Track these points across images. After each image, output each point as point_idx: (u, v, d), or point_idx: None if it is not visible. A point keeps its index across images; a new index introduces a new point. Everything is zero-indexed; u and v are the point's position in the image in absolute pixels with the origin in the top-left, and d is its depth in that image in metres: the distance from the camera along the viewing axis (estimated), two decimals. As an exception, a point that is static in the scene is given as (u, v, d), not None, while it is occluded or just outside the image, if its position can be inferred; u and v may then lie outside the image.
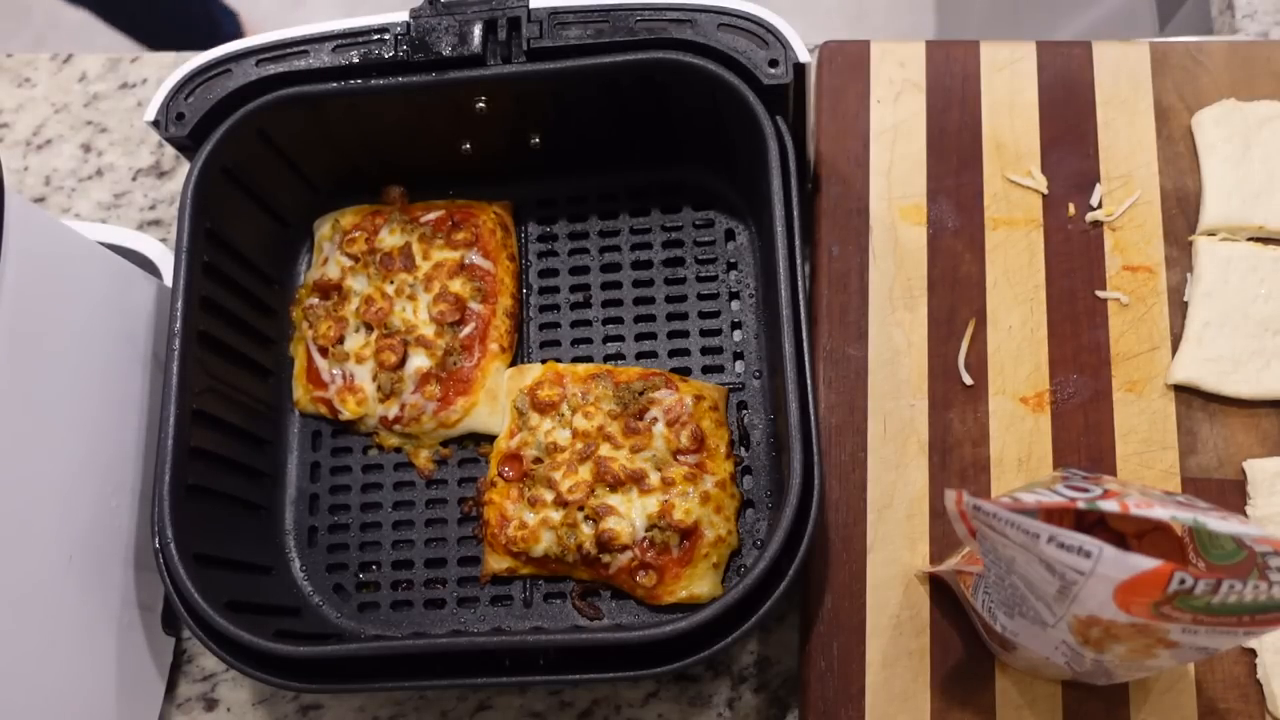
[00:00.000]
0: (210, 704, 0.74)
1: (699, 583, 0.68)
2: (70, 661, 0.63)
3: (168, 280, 0.76)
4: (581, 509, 0.69)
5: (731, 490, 0.70)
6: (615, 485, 0.69)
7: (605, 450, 0.70)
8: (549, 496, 0.70)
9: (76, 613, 0.63)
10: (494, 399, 0.74)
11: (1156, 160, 0.73)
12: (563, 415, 0.71)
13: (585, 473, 0.70)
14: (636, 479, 0.69)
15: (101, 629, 0.65)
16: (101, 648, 0.66)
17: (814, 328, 0.71)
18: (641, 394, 0.71)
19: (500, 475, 0.72)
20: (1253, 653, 0.63)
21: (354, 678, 0.62)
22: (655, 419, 0.70)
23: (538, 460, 0.71)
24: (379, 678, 0.62)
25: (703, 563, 0.68)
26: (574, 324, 0.77)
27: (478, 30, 0.68)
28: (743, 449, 0.72)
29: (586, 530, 0.68)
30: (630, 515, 0.68)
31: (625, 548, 0.68)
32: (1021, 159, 0.74)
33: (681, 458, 0.70)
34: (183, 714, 0.74)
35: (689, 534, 0.68)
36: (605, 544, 0.68)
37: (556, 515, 0.69)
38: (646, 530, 0.68)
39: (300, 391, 0.76)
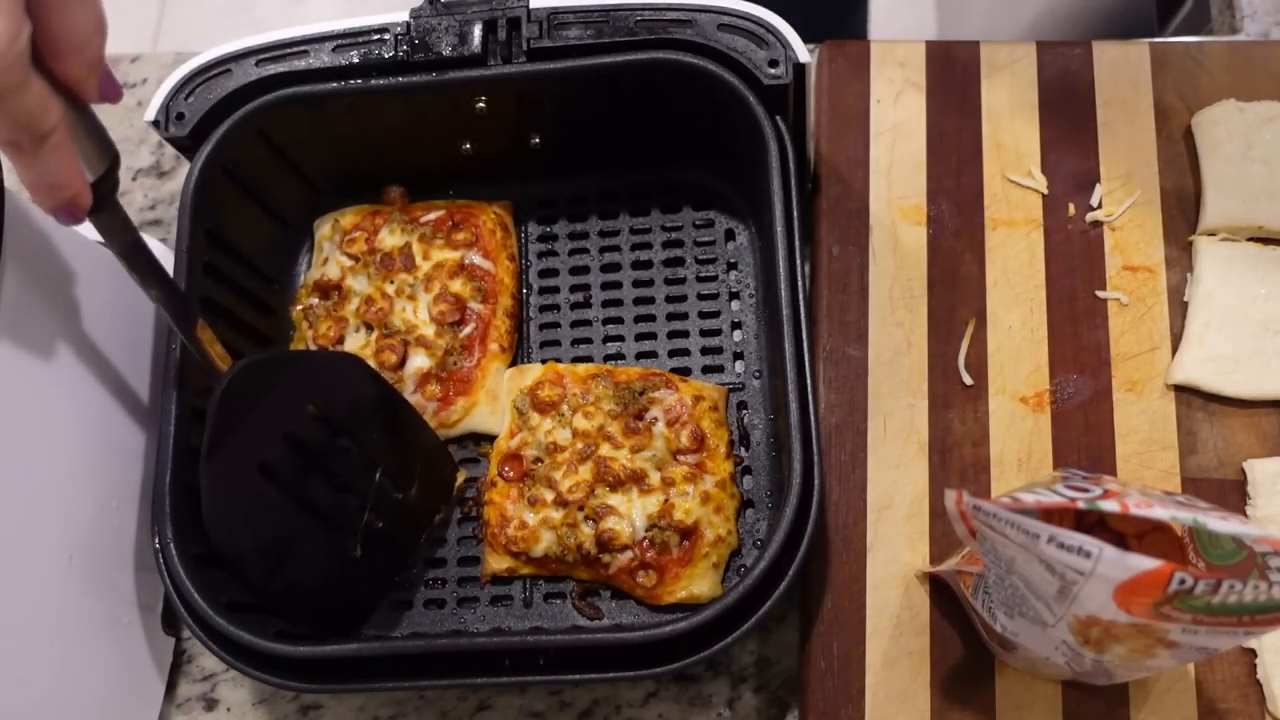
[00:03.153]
0: (210, 704, 0.74)
1: (699, 583, 0.68)
2: (70, 661, 0.63)
3: (168, 280, 0.76)
4: (581, 509, 0.69)
5: (731, 490, 0.70)
6: (615, 485, 0.69)
7: (605, 450, 0.70)
8: (549, 496, 0.70)
9: (76, 613, 0.63)
10: (494, 399, 0.74)
11: (1156, 160, 0.73)
12: (563, 415, 0.71)
13: (585, 472, 0.70)
14: (637, 479, 0.69)
15: (101, 629, 0.65)
16: (101, 648, 0.66)
17: (814, 328, 0.71)
18: (642, 394, 0.71)
19: (500, 475, 0.72)
20: (1253, 653, 0.63)
21: (354, 678, 0.62)
22: (655, 419, 0.70)
23: (538, 460, 0.71)
24: (379, 678, 0.62)
25: (703, 562, 0.68)
26: (574, 324, 0.77)
27: (478, 30, 0.68)
28: (743, 449, 0.72)
29: (586, 530, 0.68)
30: (630, 515, 0.68)
31: (625, 547, 0.68)
32: (1021, 159, 0.74)
33: (681, 457, 0.70)
34: (183, 714, 0.74)
35: (689, 534, 0.68)
36: (605, 544, 0.68)
37: (557, 515, 0.69)
38: (646, 530, 0.68)
39: (300, 391, 0.76)
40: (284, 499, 0.64)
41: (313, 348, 0.76)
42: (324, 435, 0.66)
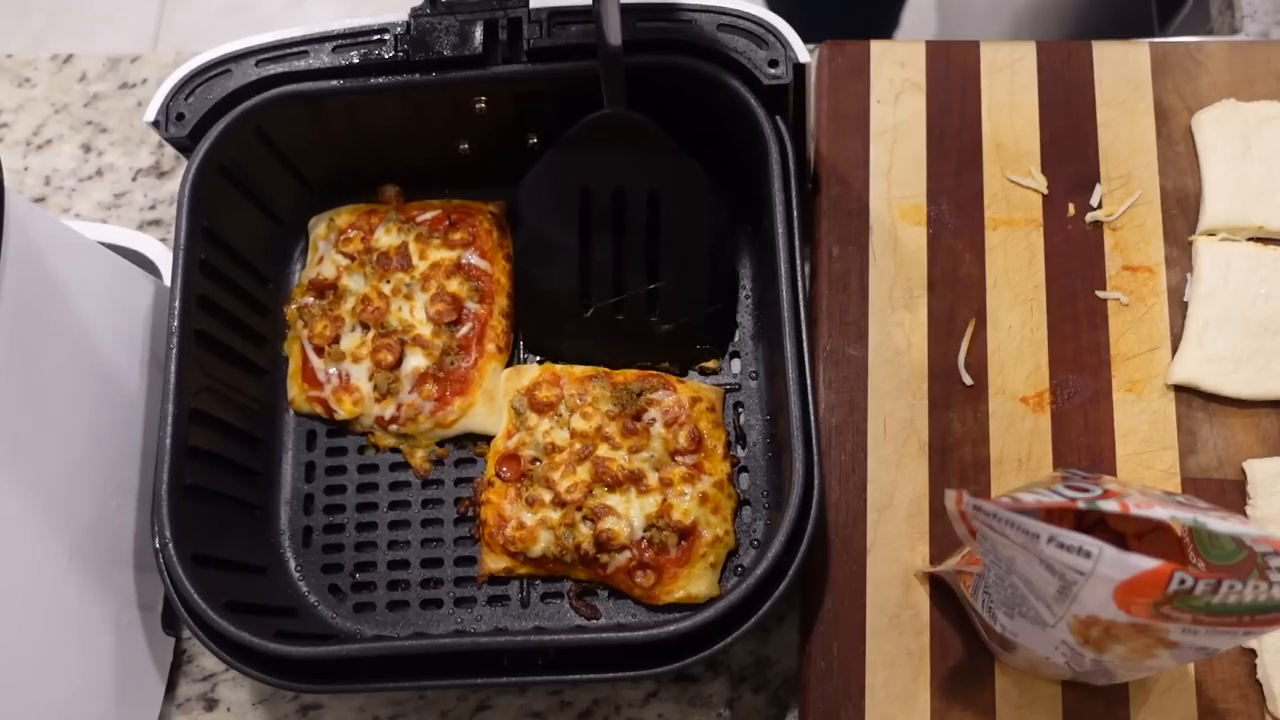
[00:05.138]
0: (210, 704, 0.74)
1: (696, 582, 0.68)
2: (70, 661, 0.63)
3: (168, 280, 0.76)
4: (580, 509, 0.69)
5: (729, 491, 0.70)
6: (613, 485, 0.69)
7: (603, 450, 0.70)
8: (547, 497, 0.70)
9: (76, 613, 0.63)
10: (491, 399, 0.74)
11: (1156, 160, 0.73)
12: (560, 416, 0.71)
13: (583, 473, 0.70)
14: (635, 479, 0.69)
15: (101, 629, 0.65)
16: (101, 648, 0.66)
17: (814, 328, 0.71)
18: (639, 395, 0.71)
19: (498, 475, 0.71)
20: (1253, 653, 0.63)
21: (354, 678, 0.62)
22: (653, 419, 0.70)
23: (535, 460, 0.71)
24: (379, 678, 0.62)
25: (700, 562, 0.68)
26: (573, 324, 0.77)
27: (478, 30, 0.68)
28: (739, 449, 0.72)
29: (585, 530, 0.68)
30: (628, 515, 0.68)
31: (623, 547, 0.68)
32: (1021, 159, 0.74)
33: (679, 458, 0.70)
34: (183, 714, 0.74)
35: (687, 534, 0.68)
36: (603, 544, 0.68)
37: (555, 515, 0.69)
38: (645, 530, 0.68)
39: (295, 391, 0.76)
40: (575, 219, 0.72)
41: (308, 347, 0.76)
42: (642, 216, 0.71)
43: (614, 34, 0.63)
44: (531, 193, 0.73)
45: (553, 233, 0.73)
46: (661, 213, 0.71)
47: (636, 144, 0.69)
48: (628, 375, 0.72)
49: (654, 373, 0.72)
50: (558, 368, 0.73)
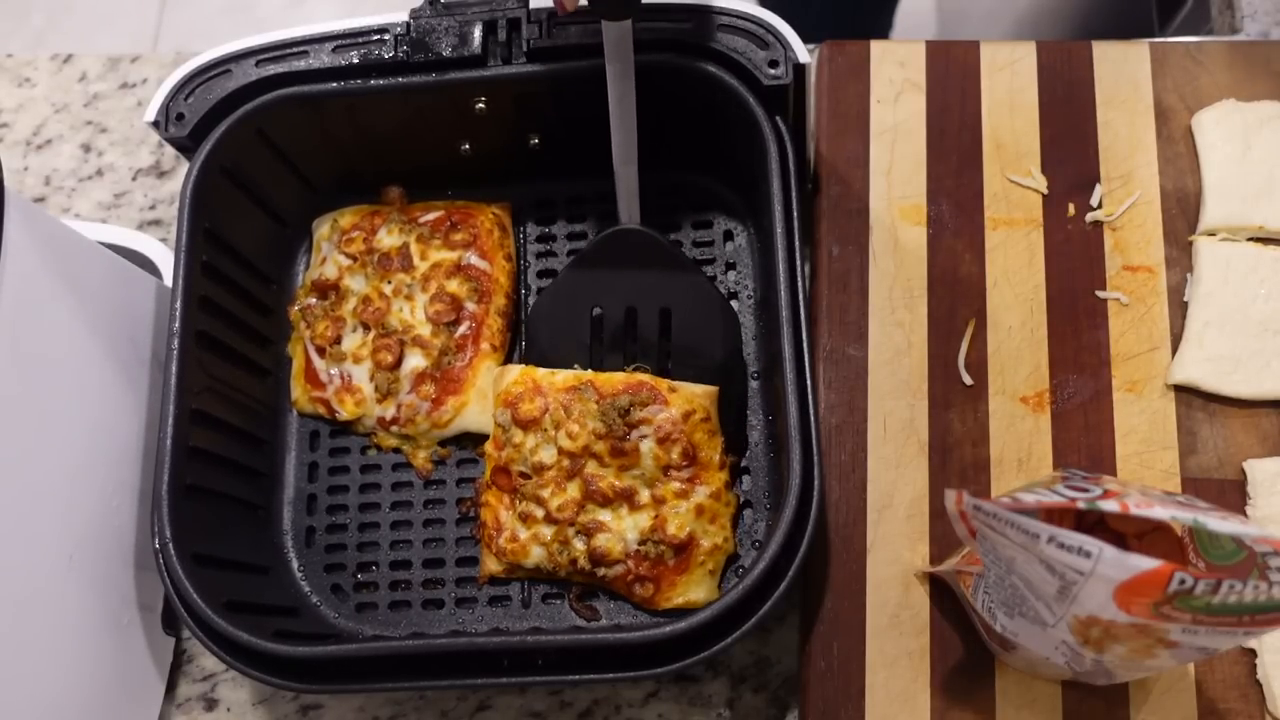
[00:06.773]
0: (210, 704, 0.74)
1: (695, 589, 0.68)
2: (70, 661, 0.63)
3: (168, 280, 0.76)
4: (572, 525, 0.68)
5: (726, 498, 0.69)
6: (605, 503, 0.68)
7: (592, 468, 0.68)
8: (539, 513, 0.69)
9: (76, 613, 0.63)
10: (486, 398, 0.73)
11: (1156, 160, 0.73)
12: (546, 431, 0.69)
13: (573, 490, 0.69)
14: (626, 496, 0.68)
15: (101, 629, 0.65)
16: (101, 648, 0.66)
17: (814, 328, 0.71)
18: (628, 412, 0.68)
19: (493, 484, 0.71)
20: (1253, 653, 0.63)
21: (354, 678, 0.62)
22: (644, 436, 0.68)
23: (525, 476, 0.70)
24: (379, 678, 0.62)
25: (698, 570, 0.68)
26: (573, 324, 0.77)
27: (478, 31, 0.68)
28: (740, 450, 0.72)
29: (579, 545, 0.68)
30: (621, 531, 0.67)
31: (618, 561, 0.67)
32: (1021, 159, 0.74)
33: (673, 473, 0.68)
34: (183, 714, 0.74)
35: (683, 546, 0.67)
36: (598, 559, 0.67)
37: (548, 531, 0.69)
38: (639, 544, 0.67)
39: (299, 391, 0.76)
40: (586, 343, 0.72)
41: (310, 348, 0.76)
42: (653, 335, 0.71)
43: (632, 217, 0.67)
44: (544, 313, 0.73)
45: (563, 356, 0.72)
46: (673, 331, 0.71)
47: (650, 260, 0.70)
48: (614, 385, 0.69)
49: (642, 379, 0.69)
50: (539, 374, 0.70)
